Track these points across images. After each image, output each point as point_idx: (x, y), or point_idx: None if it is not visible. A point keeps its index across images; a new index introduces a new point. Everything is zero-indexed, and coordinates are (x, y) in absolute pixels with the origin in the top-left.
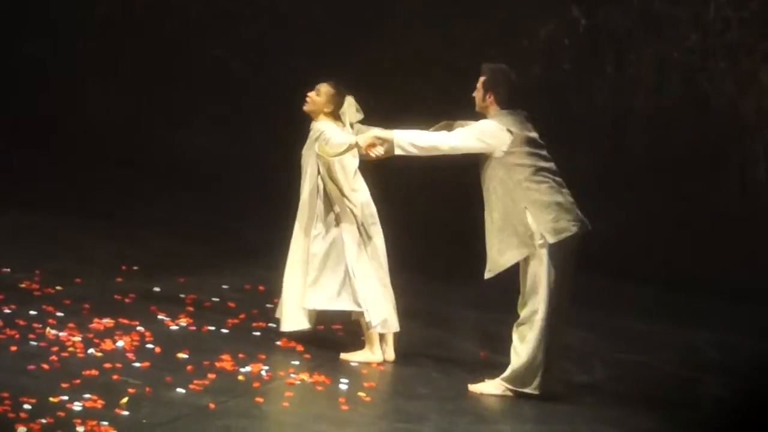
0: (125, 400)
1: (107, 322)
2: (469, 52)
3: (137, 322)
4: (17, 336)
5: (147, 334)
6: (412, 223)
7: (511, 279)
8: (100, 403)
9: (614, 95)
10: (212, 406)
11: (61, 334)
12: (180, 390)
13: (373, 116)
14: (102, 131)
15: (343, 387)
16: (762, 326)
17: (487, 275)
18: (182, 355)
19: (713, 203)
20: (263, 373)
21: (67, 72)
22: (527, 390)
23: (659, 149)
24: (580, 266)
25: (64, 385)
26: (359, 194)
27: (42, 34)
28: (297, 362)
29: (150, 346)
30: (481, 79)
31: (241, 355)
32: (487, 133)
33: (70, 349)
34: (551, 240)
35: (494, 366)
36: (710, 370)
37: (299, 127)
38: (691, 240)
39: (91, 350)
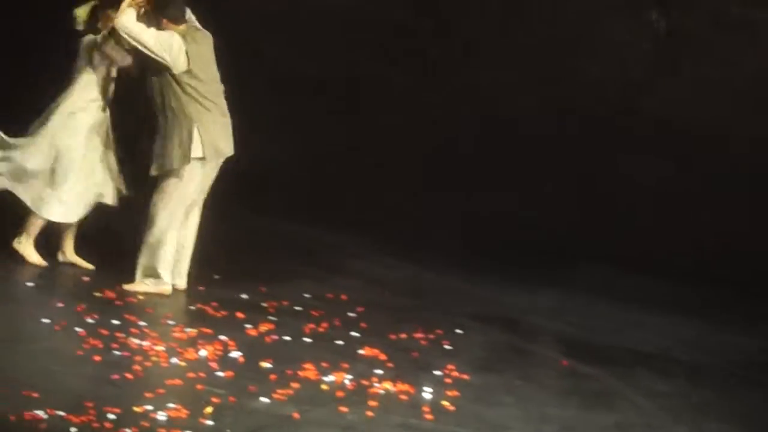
0: (209, 409)
1: (190, 331)
2: (550, 55)
3: (220, 331)
4: (101, 346)
5: (230, 343)
6: (484, 228)
7: (577, 290)
8: (184, 413)
9: (689, 99)
10: (296, 415)
11: (144, 343)
12: (264, 399)
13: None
14: None
15: (426, 396)
16: None
17: (153, 173)
18: (265, 364)
19: None
20: (347, 382)
21: None
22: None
23: (734, 154)
24: (654, 272)
25: (148, 395)
26: None
27: None
28: (380, 371)
29: (233, 355)
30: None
31: (324, 364)
32: (172, 48)
33: (154, 358)
34: (210, 158)
35: (577, 374)
36: None
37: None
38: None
39: (174, 359)
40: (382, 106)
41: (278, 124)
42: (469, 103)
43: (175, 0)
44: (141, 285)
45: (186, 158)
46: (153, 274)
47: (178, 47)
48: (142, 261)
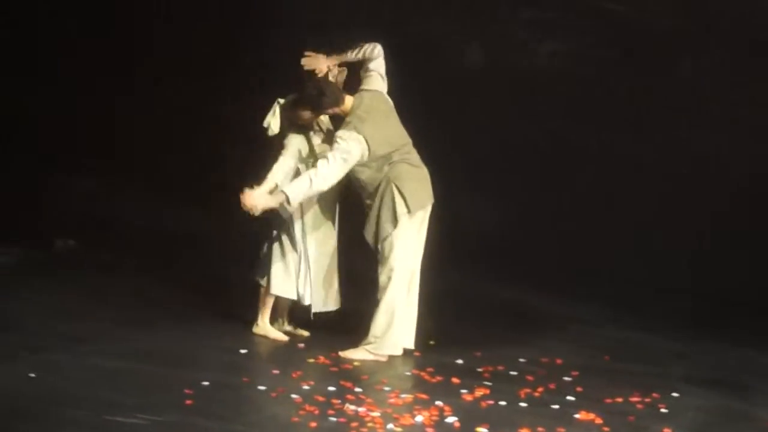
0: None
1: (406, 397)
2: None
3: (436, 397)
4: (316, 412)
5: (446, 408)
6: (697, 289)
7: None
8: None
9: None
10: None
11: (360, 409)
12: None
13: None
14: None
15: None
16: None
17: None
18: (481, 429)
19: None
20: None
21: None
22: (386, 352)
23: None
24: None
25: None
26: None
27: None
28: None
29: (449, 420)
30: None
31: (540, 429)
32: (351, 152)
33: (370, 424)
34: (414, 210)
35: None
36: None
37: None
38: None
39: (390, 425)
40: (595, 169)
41: (495, 187)
42: (678, 163)
43: (326, 90)
44: (357, 352)
45: (395, 220)
46: (375, 340)
47: (359, 149)
48: (371, 329)
